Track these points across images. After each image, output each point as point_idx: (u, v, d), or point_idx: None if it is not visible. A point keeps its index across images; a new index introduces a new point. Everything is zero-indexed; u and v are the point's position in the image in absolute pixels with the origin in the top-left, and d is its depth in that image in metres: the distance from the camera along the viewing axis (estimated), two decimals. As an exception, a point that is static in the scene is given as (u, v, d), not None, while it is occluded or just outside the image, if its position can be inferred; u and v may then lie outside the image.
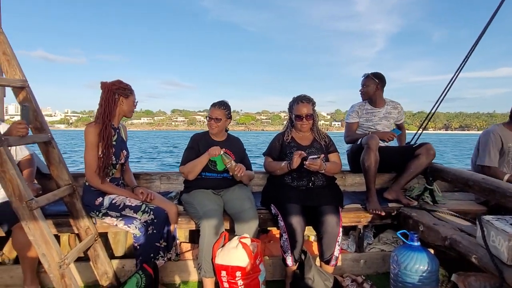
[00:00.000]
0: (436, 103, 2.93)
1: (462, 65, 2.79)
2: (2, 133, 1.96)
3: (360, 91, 2.99)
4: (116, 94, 2.05)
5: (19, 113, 1.88)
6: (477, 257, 1.65)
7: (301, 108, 2.31)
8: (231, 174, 2.23)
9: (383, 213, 2.35)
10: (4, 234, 2.00)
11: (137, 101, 2.19)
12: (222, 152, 2.20)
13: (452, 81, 2.83)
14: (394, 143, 2.93)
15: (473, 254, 1.67)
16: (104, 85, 2.06)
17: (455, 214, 2.26)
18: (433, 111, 3.02)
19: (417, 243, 1.90)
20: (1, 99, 2.55)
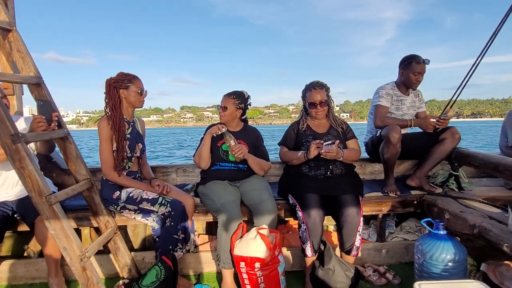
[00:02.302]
0: (458, 89, 2.72)
1: (484, 51, 2.55)
2: (22, 127, 2.02)
3: (417, 80, 2.58)
4: (115, 88, 2.05)
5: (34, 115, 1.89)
6: (509, 246, 1.55)
7: (314, 95, 2.23)
8: (231, 153, 2.19)
9: (399, 193, 2.36)
10: (28, 229, 2.06)
11: (144, 90, 2.13)
12: (224, 130, 2.19)
13: (474, 67, 2.59)
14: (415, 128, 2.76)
15: (505, 242, 1.57)
16: (105, 82, 2.08)
17: (483, 201, 2.15)
18: (454, 98, 2.81)
19: (443, 232, 1.81)
20: (19, 96, 2.60)
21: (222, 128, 2.20)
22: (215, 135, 2.24)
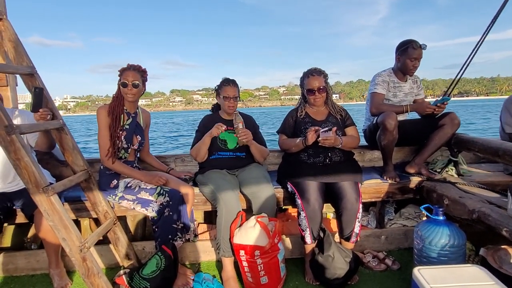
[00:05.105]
0: (461, 70, 2.69)
1: (489, 28, 2.52)
2: (20, 120, 2.00)
3: (414, 66, 2.52)
4: (119, 78, 2.06)
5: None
6: (508, 230, 1.56)
7: (312, 81, 2.20)
8: (238, 137, 2.15)
9: (398, 179, 2.34)
10: (27, 220, 2.05)
11: (128, 83, 2.04)
12: (236, 112, 2.17)
13: (478, 46, 2.55)
14: (414, 115, 2.73)
15: (504, 227, 1.58)
16: None
17: (482, 186, 2.15)
18: (457, 77, 2.78)
19: (442, 217, 1.82)
20: (13, 87, 2.56)
21: (222, 126, 2.14)
22: (216, 135, 2.18)
